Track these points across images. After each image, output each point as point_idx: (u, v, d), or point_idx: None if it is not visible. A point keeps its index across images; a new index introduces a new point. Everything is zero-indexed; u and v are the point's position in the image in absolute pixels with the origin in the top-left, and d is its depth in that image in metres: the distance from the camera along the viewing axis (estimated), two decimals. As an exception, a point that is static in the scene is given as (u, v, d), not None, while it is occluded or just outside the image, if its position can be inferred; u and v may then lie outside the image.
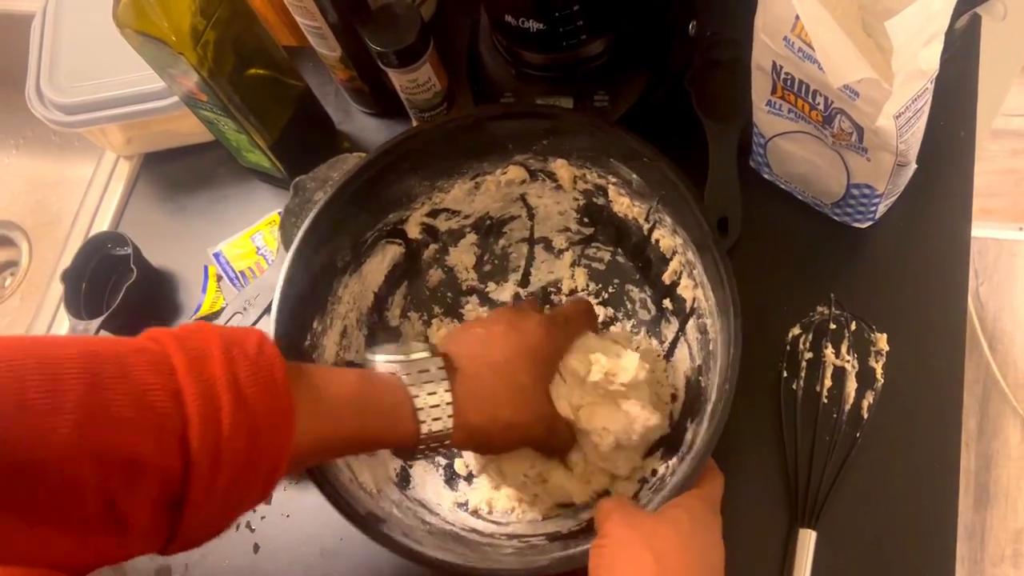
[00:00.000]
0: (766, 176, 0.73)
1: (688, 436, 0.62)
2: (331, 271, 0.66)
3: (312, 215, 0.63)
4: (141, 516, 0.41)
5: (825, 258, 0.70)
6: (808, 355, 0.66)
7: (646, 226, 0.68)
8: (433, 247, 0.73)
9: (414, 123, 0.81)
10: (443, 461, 0.70)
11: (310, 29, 0.75)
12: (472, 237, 0.74)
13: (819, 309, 0.68)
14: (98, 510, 0.40)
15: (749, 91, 0.65)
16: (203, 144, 0.87)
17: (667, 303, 0.69)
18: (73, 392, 0.39)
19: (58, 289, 0.83)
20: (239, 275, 0.80)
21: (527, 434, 0.59)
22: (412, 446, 0.53)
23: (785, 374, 0.66)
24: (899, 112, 0.55)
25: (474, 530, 0.64)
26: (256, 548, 0.72)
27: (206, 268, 0.82)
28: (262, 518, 0.72)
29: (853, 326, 0.66)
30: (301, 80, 0.80)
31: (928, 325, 0.66)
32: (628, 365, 0.62)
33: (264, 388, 0.45)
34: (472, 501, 0.67)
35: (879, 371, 0.65)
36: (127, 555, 0.43)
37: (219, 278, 0.81)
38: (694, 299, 0.65)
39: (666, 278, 0.68)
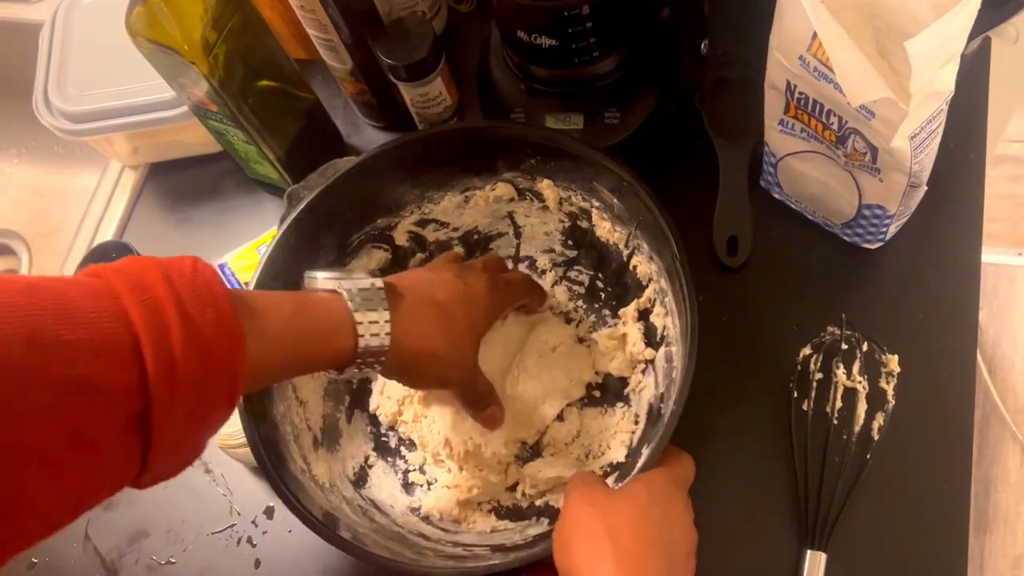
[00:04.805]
0: (776, 196, 0.73)
1: (641, 462, 0.61)
2: (314, 268, 0.66)
3: (289, 220, 0.64)
4: (109, 440, 0.41)
5: (835, 279, 0.70)
6: (819, 376, 0.66)
7: (626, 252, 0.68)
8: (420, 256, 0.73)
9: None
10: (403, 466, 0.70)
11: (321, 42, 0.74)
12: (459, 250, 0.74)
13: (830, 329, 0.67)
14: (65, 441, 0.39)
15: (760, 111, 0.66)
16: (210, 155, 0.87)
17: None
18: (13, 320, 0.38)
19: (59, 299, 0.82)
20: (244, 287, 0.79)
21: (451, 373, 0.61)
22: (348, 362, 0.54)
23: (796, 394, 0.66)
24: (914, 133, 0.55)
25: (421, 534, 0.65)
26: (257, 564, 0.71)
27: (211, 279, 0.81)
28: (264, 533, 0.71)
29: (864, 347, 0.66)
30: (311, 92, 0.79)
31: (938, 347, 0.66)
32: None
33: (207, 306, 0.44)
34: (425, 506, 0.68)
35: (890, 392, 0.65)
36: (102, 487, 0.42)
37: (224, 290, 0.80)
38: (664, 327, 0.65)
39: (640, 305, 0.69)
